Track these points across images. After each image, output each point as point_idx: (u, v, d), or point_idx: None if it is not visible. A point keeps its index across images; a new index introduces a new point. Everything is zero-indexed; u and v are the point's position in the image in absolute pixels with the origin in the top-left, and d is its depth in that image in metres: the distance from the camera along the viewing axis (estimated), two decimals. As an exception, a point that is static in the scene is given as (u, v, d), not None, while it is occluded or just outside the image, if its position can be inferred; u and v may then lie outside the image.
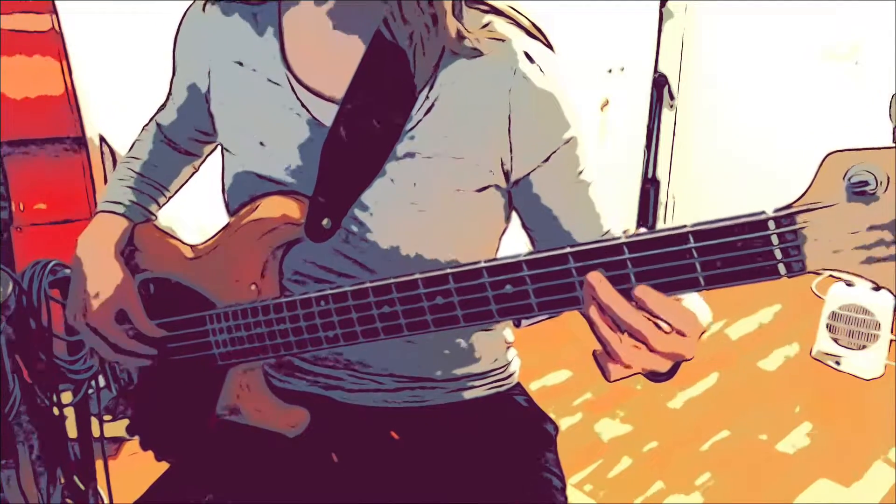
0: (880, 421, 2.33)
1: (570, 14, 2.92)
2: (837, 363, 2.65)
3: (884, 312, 2.56)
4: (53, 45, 1.82)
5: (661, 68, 3.79)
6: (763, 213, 0.54)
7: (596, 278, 0.58)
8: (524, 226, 0.84)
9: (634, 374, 0.61)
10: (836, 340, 2.65)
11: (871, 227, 0.52)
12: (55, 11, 1.83)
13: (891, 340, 2.62)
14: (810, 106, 3.35)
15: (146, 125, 1.02)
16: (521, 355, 1.00)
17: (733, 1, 3.50)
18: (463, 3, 0.76)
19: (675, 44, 3.76)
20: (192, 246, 0.87)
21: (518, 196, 0.81)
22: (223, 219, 0.85)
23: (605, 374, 0.61)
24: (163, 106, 0.99)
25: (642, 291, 0.58)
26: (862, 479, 2.09)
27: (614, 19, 3.42)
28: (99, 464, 1.43)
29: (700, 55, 3.73)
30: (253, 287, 0.81)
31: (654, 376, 0.68)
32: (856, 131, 3.16)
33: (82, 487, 1.41)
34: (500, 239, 0.88)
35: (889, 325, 2.58)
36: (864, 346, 2.60)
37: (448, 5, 0.73)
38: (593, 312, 0.59)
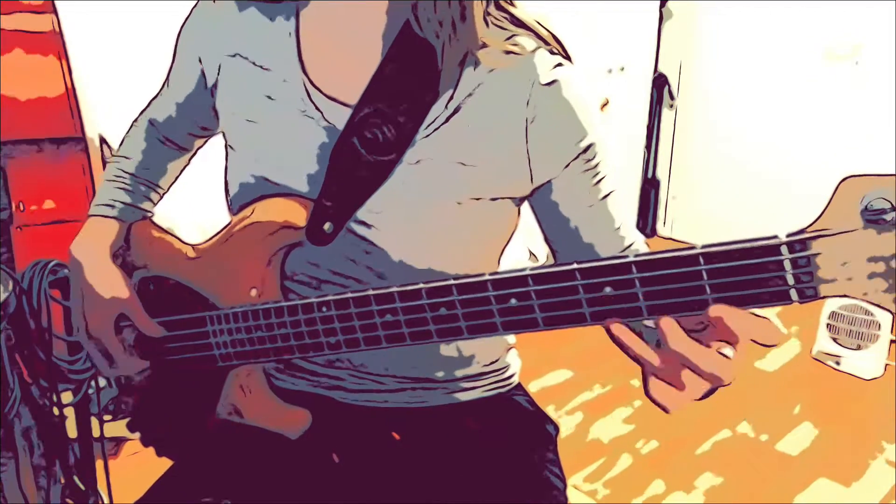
0: (880, 421, 2.33)
1: (570, 14, 2.92)
2: (837, 363, 2.66)
3: (884, 312, 2.56)
4: (53, 45, 1.82)
5: (661, 68, 3.80)
6: (776, 237, 0.53)
7: (665, 324, 0.57)
8: (547, 242, 0.83)
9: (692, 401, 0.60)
10: (836, 340, 2.65)
11: (886, 256, 0.51)
12: (55, 11, 1.83)
13: (891, 340, 2.62)
14: (810, 106, 3.36)
15: (135, 121, 0.99)
16: (521, 355, 1.00)
17: (733, 1, 3.50)
18: (490, 6, 0.76)
19: (675, 44, 3.76)
20: (192, 245, 0.87)
21: (538, 204, 0.81)
22: (222, 219, 0.85)
23: (665, 409, 0.60)
24: (153, 99, 0.96)
25: (718, 310, 0.55)
26: (862, 479, 2.09)
27: (614, 19, 3.43)
28: (99, 464, 1.43)
29: (700, 55, 3.73)
30: (254, 290, 0.81)
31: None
32: (856, 131, 3.16)
33: (82, 487, 1.41)
34: (503, 251, 0.88)
35: (889, 326, 2.58)
36: (864, 346, 2.60)
37: (477, 5, 0.73)
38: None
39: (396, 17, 0.76)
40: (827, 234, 0.52)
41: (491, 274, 0.63)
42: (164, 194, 1.01)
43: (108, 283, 0.87)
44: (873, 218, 0.51)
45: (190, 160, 1.03)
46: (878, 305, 0.52)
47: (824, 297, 0.53)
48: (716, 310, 0.55)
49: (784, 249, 0.53)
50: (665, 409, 0.60)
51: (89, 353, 0.91)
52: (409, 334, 0.68)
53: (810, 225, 0.53)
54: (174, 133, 0.97)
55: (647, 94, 3.80)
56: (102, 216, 0.92)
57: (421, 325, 0.67)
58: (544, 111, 0.75)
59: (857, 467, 2.13)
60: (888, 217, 0.50)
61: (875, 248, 0.51)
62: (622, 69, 3.59)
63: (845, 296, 0.53)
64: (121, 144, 1.00)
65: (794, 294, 0.53)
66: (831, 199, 0.52)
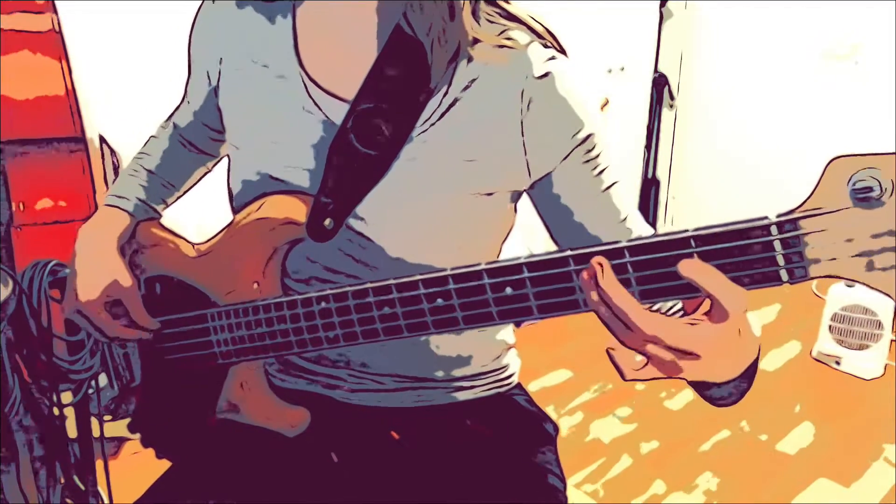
0: (880, 421, 2.33)
1: (570, 14, 2.92)
2: (838, 363, 2.66)
3: (886, 312, 2.56)
4: (53, 45, 1.82)
5: (661, 68, 3.80)
6: (766, 218, 0.53)
7: (598, 262, 0.57)
8: (553, 239, 0.83)
9: (654, 378, 0.59)
10: (837, 341, 2.65)
11: (875, 234, 0.51)
12: (55, 11, 1.83)
13: (891, 340, 2.62)
14: (810, 106, 3.35)
15: (163, 123, 1.02)
16: (521, 355, 1.00)
17: (733, 1, 3.50)
18: (480, 2, 0.76)
19: (675, 44, 3.76)
20: (194, 244, 0.87)
21: (540, 198, 0.81)
22: (223, 219, 0.85)
23: (620, 372, 0.59)
24: (179, 106, 0.99)
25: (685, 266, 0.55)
26: (862, 479, 2.09)
27: (614, 19, 3.42)
28: (99, 464, 1.43)
29: (700, 55, 3.73)
30: (255, 286, 0.81)
31: (709, 396, 0.66)
32: (856, 131, 3.16)
33: (82, 487, 1.41)
34: (502, 244, 0.88)
35: (890, 325, 2.58)
36: (865, 346, 2.60)
37: (465, 3, 0.73)
38: (594, 298, 0.58)
39: (389, 16, 0.77)
40: (815, 213, 0.52)
41: (486, 263, 0.63)
42: (180, 196, 1.02)
43: (112, 267, 0.88)
44: (861, 196, 0.51)
45: (213, 166, 1.04)
46: (865, 284, 0.52)
47: (814, 278, 0.53)
48: (685, 265, 0.55)
49: (774, 230, 0.53)
50: (620, 372, 0.60)
51: (80, 325, 0.91)
52: (406, 326, 0.68)
53: (800, 206, 0.53)
54: (195, 137, 0.99)
55: (647, 94, 3.79)
56: (116, 207, 0.93)
57: (418, 316, 0.67)
58: (538, 104, 0.75)
59: (857, 467, 2.13)
60: (875, 195, 0.50)
61: (863, 226, 0.51)
62: (622, 69, 3.59)
63: (835, 276, 0.53)
64: (146, 143, 1.02)
65: (784, 274, 0.54)
66: (820, 179, 0.53)
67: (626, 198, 0.80)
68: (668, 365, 0.58)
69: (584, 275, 0.58)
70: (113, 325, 0.88)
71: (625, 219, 0.79)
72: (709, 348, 0.57)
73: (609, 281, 0.57)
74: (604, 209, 0.79)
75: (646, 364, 0.59)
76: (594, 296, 0.58)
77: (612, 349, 0.59)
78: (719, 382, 0.62)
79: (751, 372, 0.63)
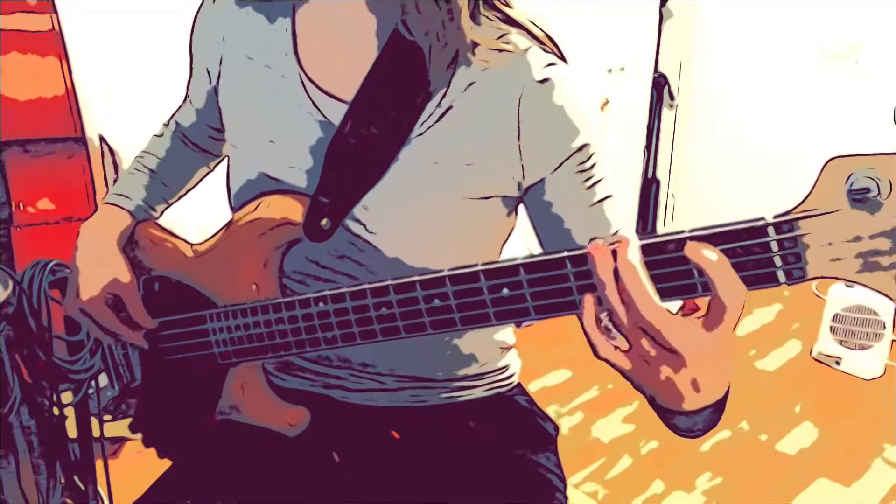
0: (880, 421, 2.33)
1: (570, 14, 2.91)
2: (838, 363, 2.66)
3: (888, 311, 2.56)
4: (53, 45, 1.81)
5: (661, 68, 3.79)
6: (762, 219, 0.53)
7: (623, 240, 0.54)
8: (541, 246, 0.82)
9: (624, 369, 0.57)
10: (837, 341, 2.64)
11: (873, 235, 0.51)
12: (55, 11, 1.83)
13: (892, 340, 2.62)
14: (810, 106, 3.35)
15: (166, 122, 1.02)
16: (521, 355, 1.00)
17: (733, 1, 3.50)
18: (479, 5, 0.76)
19: (675, 44, 3.76)
20: (192, 245, 0.87)
21: (532, 204, 0.80)
22: (223, 219, 0.85)
23: (594, 348, 0.57)
24: (181, 105, 0.99)
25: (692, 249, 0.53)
26: (862, 479, 2.09)
27: (614, 19, 3.42)
28: (99, 464, 1.43)
29: (700, 55, 3.73)
30: (253, 286, 0.81)
31: (673, 425, 0.63)
32: (855, 131, 3.16)
33: (82, 487, 1.41)
34: (501, 248, 0.88)
35: (891, 325, 2.58)
36: (867, 346, 2.60)
37: (464, 5, 0.73)
38: (605, 273, 0.55)
39: (388, 18, 0.76)
40: (812, 214, 0.52)
41: (483, 264, 0.63)
42: (182, 196, 1.02)
43: (112, 264, 0.88)
44: (858, 197, 0.51)
45: (215, 166, 1.04)
46: (864, 285, 0.52)
47: (812, 279, 0.53)
48: (691, 248, 0.53)
49: (771, 230, 0.53)
50: (593, 348, 0.57)
51: (81, 322, 0.91)
52: (403, 327, 0.68)
53: (797, 206, 0.53)
54: (195, 135, 0.99)
55: (647, 94, 3.79)
56: (117, 206, 0.93)
57: (415, 317, 0.67)
58: (536, 109, 0.74)
59: (857, 467, 2.13)
60: (872, 195, 0.50)
61: (860, 227, 0.51)
62: (622, 69, 3.58)
63: (833, 277, 0.52)
64: (149, 142, 1.02)
65: (781, 275, 0.53)
66: (817, 179, 0.52)
67: (619, 214, 0.79)
68: (652, 362, 0.55)
69: (599, 250, 0.55)
70: (115, 323, 0.88)
71: (615, 233, 0.78)
72: (694, 353, 0.54)
73: (636, 259, 0.54)
74: (594, 221, 0.78)
75: (628, 350, 0.56)
76: (606, 273, 0.54)
77: (587, 324, 0.57)
78: (688, 411, 0.59)
79: (721, 404, 0.61)
